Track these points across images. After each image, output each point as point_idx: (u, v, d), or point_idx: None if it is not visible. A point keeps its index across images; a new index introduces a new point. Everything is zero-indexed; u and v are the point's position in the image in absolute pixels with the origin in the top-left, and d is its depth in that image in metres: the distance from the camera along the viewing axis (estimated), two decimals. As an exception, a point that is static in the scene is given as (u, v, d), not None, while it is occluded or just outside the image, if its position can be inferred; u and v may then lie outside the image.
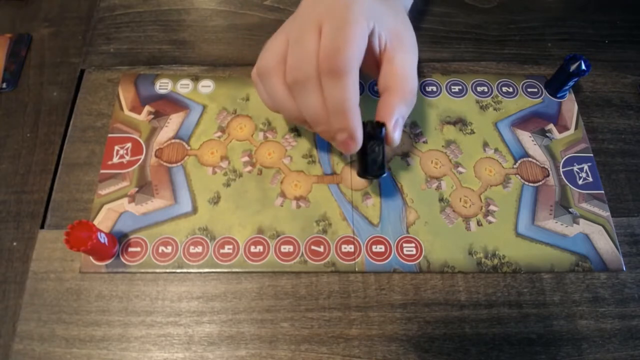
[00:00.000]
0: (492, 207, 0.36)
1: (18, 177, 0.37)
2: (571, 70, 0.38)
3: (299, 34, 0.30)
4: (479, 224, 0.35)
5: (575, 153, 0.38)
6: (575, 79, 0.39)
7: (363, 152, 0.32)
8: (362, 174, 0.34)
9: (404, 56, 0.32)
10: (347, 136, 0.30)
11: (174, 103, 0.40)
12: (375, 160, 0.32)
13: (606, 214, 0.36)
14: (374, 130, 0.31)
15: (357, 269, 0.34)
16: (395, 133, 0.32)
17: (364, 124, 0.31)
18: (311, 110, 0.30)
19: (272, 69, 0.31)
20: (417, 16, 0.46)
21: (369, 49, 0.31)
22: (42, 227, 0.35)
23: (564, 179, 0.37)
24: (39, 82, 0.41)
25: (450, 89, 0.41)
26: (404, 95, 0.31)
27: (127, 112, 0.39)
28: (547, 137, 0.39)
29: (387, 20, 0.31)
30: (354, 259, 0.34)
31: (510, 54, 0.44)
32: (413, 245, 0.34)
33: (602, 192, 0.37)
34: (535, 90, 0.41)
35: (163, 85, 0.41)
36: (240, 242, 0.34)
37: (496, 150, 0.38)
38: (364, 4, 0.30)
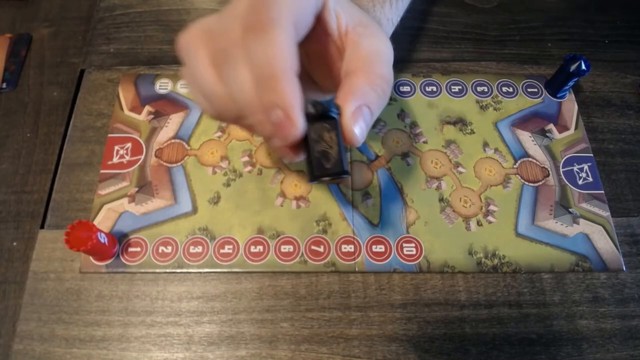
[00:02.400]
0: (492, 207, 0.36)
1: (18, 177, 0.37)
2: (571, 70, 0.38)
3: (228, 8, 0.23)
4: (479, 224, 0.35)
5: (575, 153, 0.38)
6: (575, 79, 0.39)
7: (308, 143, 0.23)
8: (311, 174, 0.24)
9: (372, 41, 0.25)
10: (281, 115, 0.21)
11: (174, 103, 0.40)
12: (326, 154, 0.23)
13: (606, 214, 0.36)
14: (325, 112, 0.23)
15: (357, 269, 0.34)
16: (355, 124, 0.23)
17: (311, 104, 0.23)
18: (238, 87, 0.22)
19: (196, 39, 0.24)
20: (417, 16, 0.46)
21: (322, 30, 0.25)
22: (42, 227, 0.35)
23: (564, 179, 0.37)
24: (39, 82, 0.41)
25: (450, 89, 0.41)
26: (371, 77, 0.24)
27: (127, 112, 0.39)
28: (547, 137, 0.39)
29: (348, 6, 0.26)
30: (354, 259, 0.34)
31: (510, 54, 0.44)
32: (413, 245, 0.34)
33: (602, 192, 0.37)
34: (535, 90, 0.41)
35: (163, 85, 0.41)
36: (240, 242, 0.34)
37: (496, 150, 0.38)
38: None
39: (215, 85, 0.23)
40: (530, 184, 0.37)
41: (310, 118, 0.22)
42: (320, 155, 0.23)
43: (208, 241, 0.34)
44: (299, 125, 0.21)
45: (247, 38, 0.21)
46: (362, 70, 0.24)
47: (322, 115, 0.22)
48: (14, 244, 0.34)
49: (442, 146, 0.38)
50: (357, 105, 0.23)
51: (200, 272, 0.34)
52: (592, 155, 0.38)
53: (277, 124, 0.22)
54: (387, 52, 0.26)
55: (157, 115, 0.39)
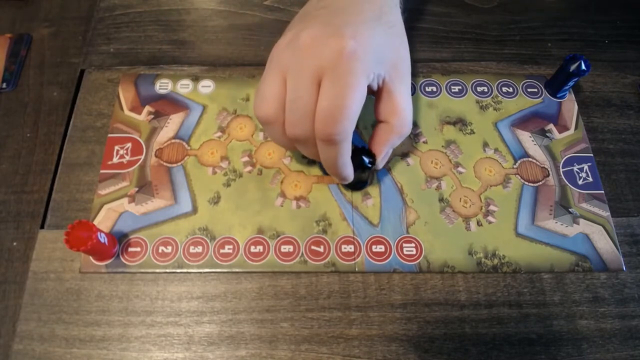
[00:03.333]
0: (492, 207, 0.36)
1: (18, 177, 0.37)
2: (571, 70, 0.38)
3: (297, 85, 0.28)
4: (479, 224, 0.35)
5: (575, 153, 0.38)
6: (575, 79, 0.39)
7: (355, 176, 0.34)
8: (350, 189, 0.37)
9: (400, 87, 0.32)
10: (340, 178, 0.33)
11: (174, 103, 0.40)
12: (360, 181, 0.36)
13: (606, 214, 0.36)
14: (364, 163, 0.33)
15: (357, 269, 0.34)
16: (383, 162, 0.35)
17: (356, 155, 0.32)
18: (314, 157, 0.32)
19: (272, 120, 0.30)
20: (417, 16, 0.46)
21: (367, 90, 0.31)
22: (42, 227, 0.35)
23: (564, 179, 0.37)
24: (39, 82, 0.41)
25: (450, 89, 0.41)
26: (400, 130, 0.33)
27: (127, 112, 0.39)
28: (547, 137, 0.39)
29: (387, 55, 0.31)
30: (354, 259, 0.34)
31: (510, 54, 0.44)
32: (413, 245, 0.34)
33: (602, 192, 0.37)
34: (535, 90, 0.41)
35: (163, 85, 0.41)
36: (240, 242, 0.34)
37: (496, 150, 0.38)
38: (369, 53, 0.29)
39: (292, 148, 0.33)
40: (530, 184, 0.37)
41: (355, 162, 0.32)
42: (357, 183, 0.36)
43: (208, 241, 0.34)
44: (350, 180, 0.33)
45: (320, 142, 0.29)
46: (394, 123, 0.32)
47: (362, 163, 0.33)
48: (14, 244, 0.34)
49: (442, 146, 0.38)
50: (385, 152, 0.34)
51: (200, 272, 0.34)
52: (592, 155, 0.38)
53: (338, 179, 0.34)
54: (409, 89, 0.33)
55: (157, 115, 0.39)
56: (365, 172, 0.34)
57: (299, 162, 0.37)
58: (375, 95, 0.33)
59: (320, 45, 0.28)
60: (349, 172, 0.32)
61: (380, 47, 0.30)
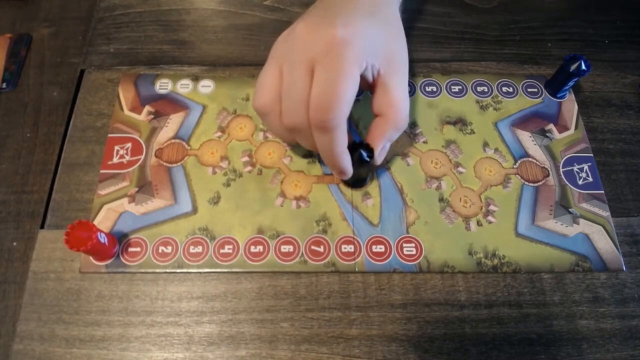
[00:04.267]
0: (492, 207, 0.36)
1: (18, 177, 0.37)
2: (571, 70, 0.38)
3: (291, 74, 0.29)
4: (479, 224, 0.35)
5: (575, 153, 0.38)
6: (575, 79, 0.39)
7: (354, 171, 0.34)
8: (350, 186, 0.37)
9: (395, 80, 0.32)
10: (338, 171, 0.33)
11: (174, 103, 0.40)
12: (360, 178, 0.36)
13: (606, 214, 0.36)
14: (362, 157, 0.33)
15: (357, 269, 0.34)
16: (381, 157, 0.34)
17: (354, 149, 0.32)
18: (312, 148, 0.32)
19: (269, 110, 0.31)
20: (417, 16, 0.46)
21: (362, 82, 0.31)
22: (42, 227, 0.35)
23: (564, 179, 0.37)
24: (39, 82, 0.41)
25: (450, 89, 0.41)
26: (396, 122, 0.33)
27: (127, 112, 0.39)
28: (547, 137, 0.39)
29: (379, 46, 0.31)
30: (354, 259, 0.34)
31: (510, 54, 0.44)
32: (413, 245, 0.34)
33: (602, 192, 0.37)
34: (535, 90, 0.41)
35: (163, 85, 0.41)
36: (240, 242, 0.34)
37: (496, 150, 0.38)
38: (359, 42, 0.29)
39: (291, 138, 0.33)
40: (530, 184, 0.37)
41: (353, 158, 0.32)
42: (357, 179, 0.36)
43: (208, 241, 0.34)
44: (349, 175, 0.33)
45: (314, 130, 0.30)
46: (389, 116, 0.32)
47: (360, 158, 0.33)
48: (14, 244, 0.34)
49: (442, 146, 0.38)
50: (383, 145, 0.33)
51: (200, 272, 0.34)
52: (592, 155, 0.38)
53: (335, 173, 0.34)
54: (405, 82, 0.33)
55: (157, 115, 0.39)
56: (364, 167, 0.34)
57: (299, 162, 0.37)
58: (371, 89, 0.33)
59: (313, 35, 0.29)
60: (346, 164, 0.32)
61: (373, 38, 0.30)
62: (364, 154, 0.33)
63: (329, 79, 0.28)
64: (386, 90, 0.32)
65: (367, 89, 0.34)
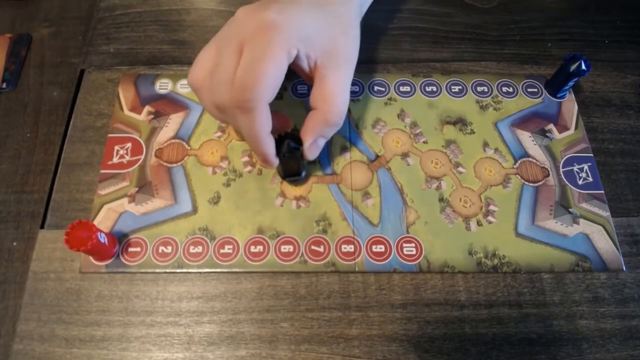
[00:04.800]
0: (492, 207, 0.36)
1: (18, 177, 0.37)
2: (571, 70, 0.38)
3: (222, 54, 0.30)
4: (479, 224, 0.35)
5: (575, 153, 0.38)
6: (575, 79, 0.39)
7: (282, 162, 0.34)
8: (282, 177, 0.37)
9: (334, 74, 0.32)
10: (262, 158, 0.32)
11: (174, 103, 0.40)
12: (291, 169, 0.35)
13: (606, 214, 0.36)
14: (289, 146, 0.32)
15: (357, 269, 0.34)
16: (311, 151, 0.33)
17: (283, 139, 0.32)
18: (234, 128, 0.33)
19: (200, 85, 0.32)
20: (417, 16, 0.46)
21: (299, 70, 0.32)
22: (42, 227, 0.35)
23: (564, 179, 0.37)
24: (39, 82, 0.41)
25: (450, 89, 0.41)
26: (327, 117, 0.32)
27: (127, 112, 0.39)
28: (547, 137, 0.39)
29: (317, 37, 0.31)
30: (354, 259, 0.34)
31: (510, 54, 0.44)
32: (413, 245, 0.34)
33: (602, 192, 0.37)
34: (535, 90, 0.41)
35: (163, 85, 0.41)
36: (240, 242, 0.34)
37: (496, 150, 0.38)
38: (290, 27, 0.29)
39: (219, 118, 0.34)
40: (530, 184, 0.37)
41: (281, 146, 0.32)
42: (288, 169, 0.35)
43: (208, 241, 0.34)
44: (273, 164, 0.33)
45: (235, 110, 0.30)
46: (322, 111, 0.32)
47: (289, 149, 0.33)
48: (14, 244, 0.34)
49: (442, 146, 0.38)
50: (313, 140, 0.33)
51: (200, 272, 0.34)
52: (592, 155, 0.38)
53: (260, 160, 0.33)
54: (345, 80, 0.33)
55: (157, 115, 0.39)
56: (293, 158, 0.33)
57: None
58: (311, 81, 0.33)
59: (248, 17, 0.30)
60: (267, 150, 0.31)
61: (309, 28, 0.30)
62: (291, 143, 0.32)
63: (253, 59, 0.28)
64: (322, 84, 0.32)
65: (309, 80, 0.33)
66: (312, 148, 0.33)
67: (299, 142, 0.33)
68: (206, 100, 0.32)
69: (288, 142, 0.32)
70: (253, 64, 0.28)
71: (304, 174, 0.36)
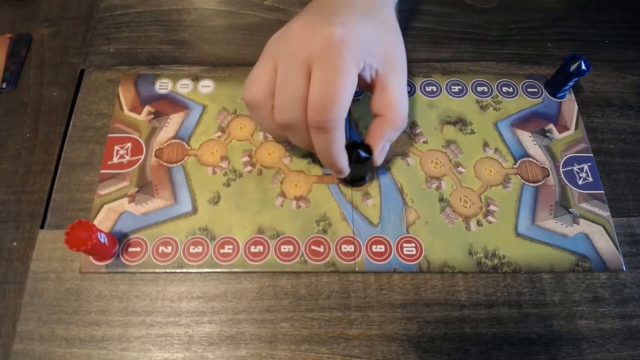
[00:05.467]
0: (492, 207, 0.36)
1: (18, 177, 0.37)
2: (571, 70, 0.38)
3: (287, 71, 0.29)
4: (479, 224, 0.35)
5: (575, 153, 0.38)
6: (575, 79, 0.39)
7: (351, 170, 0.34)
8: (347, 183, 0.37)
9: (395, 80, 0.32)
10: (336, 170, 0.33)
11: (174, 103, 0.40)
12: (359, 177, 0.36)
13: (606, 214, 0.36)
14: (360, 156, 0.33)
15: (357, 269, 0.34)
16: (381, 157, 0.34)
17: (352, 149, 0.32)
18: (301, 145, 0.33)
19: (260, 104, 0.31)
20: (417, 16, 0.46)
21: (360, 82, 0.31)
22: (42, 227, 0.35)
23: (564, 179, 0.37)
24: (39, 82, 0.41)
25: (450, 89, 0.41)
26: (395, 122, 0.32)
27: (127, 112, 0.39)
28: (547, 137, 0.39)
29: (376, 46, 0.31)
30: (354, 259, 0.34)
31: (510, 54, 0.44)
32: (413, 245, 0.34)
33: (602, 192, 0.37)
34: (535, 90, 0.41)
35: (163, 85, 0.41)
36: (240, 242, 0.34)
37: (496, 150, 0.38)
38: (357, 41, 0.29)
39: (280, 135, 0.34)
40: (530, 184, 0.37)
41: (350, 155, 0.33)
42: (355, 178, 0.36)
43: (208, 241, 0.34)
44: (345, 174, 0.33)
45: (312, 130, 0.30)
46: (388, 117, 0.32)
47: (359, 158, 0.33)
48: (14, 244, 0.34)
49: (442, 146, 0.38)
50: (382, 146, 0.33)
51: (200, 272, 0.34)
52: (592, 155, 0.38)
53: (332, 172, 0.35)
54: (404, 83, 0.33)
55: (157, 115, 0.39)
56: (362, 166, 0.34)
57: (299, 162, 0.37)
58: (370, 89, 0.33)
59: (309, 33, 0.29)
60: (343, 163, 0.32)
61: (370, 38, 0.31)
62: (362, 153, 0.33)
63: (327, 79, 0.28)
64: (384, 90, 0.32)
65: (366, 89, 0.34)
66: (382, 154, 0.34)
67: (368, 151, 0.33)
68: (266, 119, 0.32)
69: (358, 151, 0.33)
70: (329, 84, 0.28)
71: (367, 177, 0.37)
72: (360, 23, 0.30)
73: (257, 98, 0.31)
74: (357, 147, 0.33)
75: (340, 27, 0.29)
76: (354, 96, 0.40)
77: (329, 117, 0.28)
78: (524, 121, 0.40)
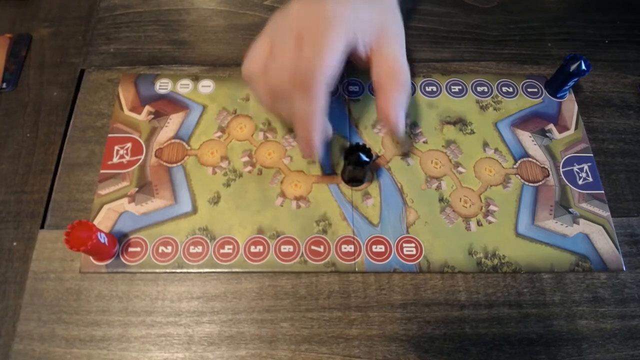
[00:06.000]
0: (492, 207, 0.36)
1: (18, 177, 0.37)
2: (571, 70, 0.38)
3: (280, 43, 0.31)
4: (479, 224, 0.35)
5: (575, 153, 0.38)
6: (575, 79, 0.39)
7: (348, 171, 0.35)
8: (345, 182, 0.37)
9: (389, 49, 0.34)
10: (304, 143, 0.32)
11: (174, 103, 0.40)
12: (355, 177, 0.36)
13: (606, 214, 0.36)
14: (360, 159, 0.33)
15: (357, 269, 0.34)
16: (399, 125, 0.34)
17: (354, 152, 0.33)
18: (286, 116, 0.33)
19: (255, 75, 0.33)
20: (417, 16, 0.46)
21: (356, 58, 0.33)
22: (42, 227, 0.35)
23: (564, 179, 0.37)
24: (39, 82, 0.41)
25: (450, 89, 0.41)
26: (398, 89, 0.33)
27: (127, 112, 0.39)
28: (547, 137, 0.39)
29: (369, 23, 0.33)
30: (354, 259, 0.34)
31: (510, 54, 0.44)
32: (413, 245, 0.34)
33: (602, 192, 0.37)
34: (535, 90, 0.41)
35: (163, 85, 0.41)
36: (240, 242, 0.34)
37: (496, 150, 0.38)
38: (348, 18, 0.31)
39: (271, 106, 0.34)
40: (530, 184, 0.37)
41: (351, 156, 0.33)
42: (352, 178, 0.36)
43: (208, 241, 0.34)
44: (316, 154, 0.32)
45: (296, 92, 0.30)
46: (390, 86, 0.33)
47: (357, 154, 0.33)
48: (14, 244, 0.34)
49: (442, 146, 0.38)
50: (396, 113, 0.33)
51: (200, 272, 0.34)
52: (592, 155, 0.38)
53: (302, 145, 0.34)
54: (401, 52, 0.34)
55: (157, 115, 0.39)
56: (361, 169, 0.34)
57: (299, 162, 0.37)
58: (368, 65, 0.34)
59: (304, 11, 0.31)
60: (317, 140, 0.31)
61: (363, 15, 0.32)
62: (363, 157, 0.33)
63: (314, 48, 0.30)
64: (380, 61, 0.33)
65: (365, 66, 0.35)
66: (399, 121, 0.33)
67: (368, 155, 0.33)
68: (261, 88, 0.33)
69: (359, 154, 0.33)
70: (316, 50, 0.29)
71: (365, 180, 0.37)
72: (356, 3, 0.32)
73: (253, 70, 0.33)
74: (359, 150, 0.33)
75: (333, 4, 0.31)
76: (354, 96, 0.40)
77: (313, 80, 0.29)
78: (524, 121, 0.40)
